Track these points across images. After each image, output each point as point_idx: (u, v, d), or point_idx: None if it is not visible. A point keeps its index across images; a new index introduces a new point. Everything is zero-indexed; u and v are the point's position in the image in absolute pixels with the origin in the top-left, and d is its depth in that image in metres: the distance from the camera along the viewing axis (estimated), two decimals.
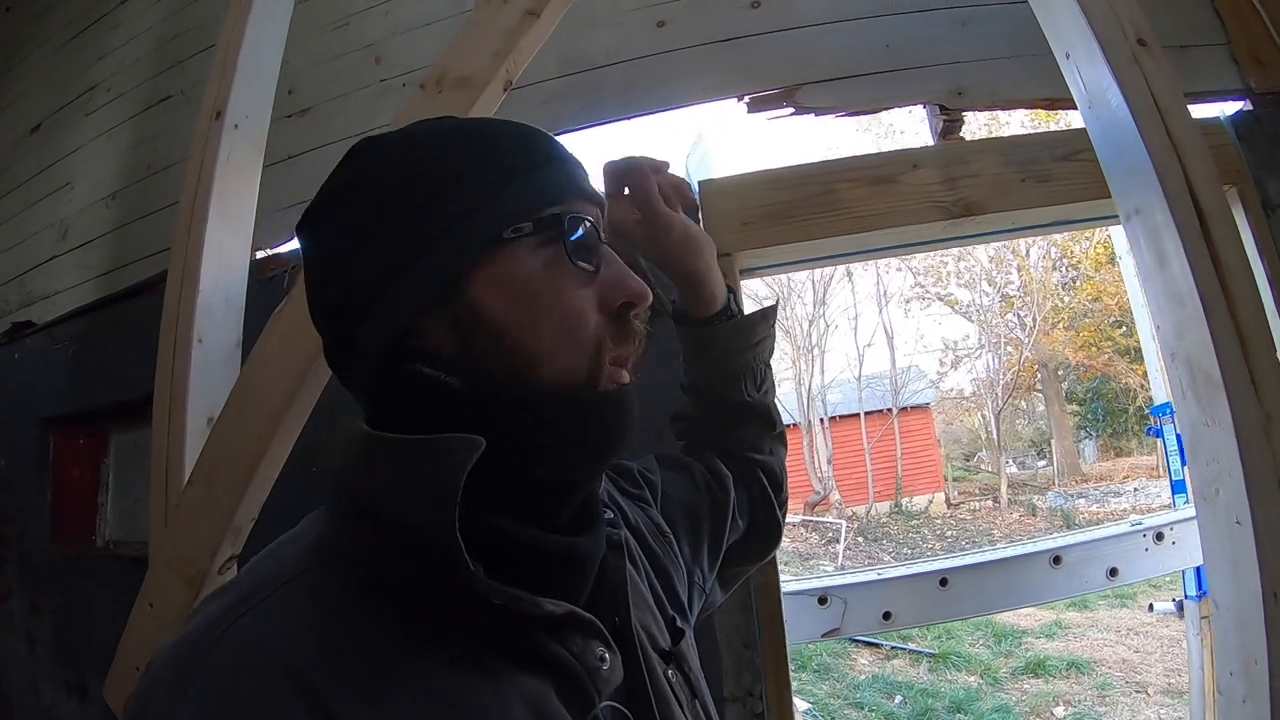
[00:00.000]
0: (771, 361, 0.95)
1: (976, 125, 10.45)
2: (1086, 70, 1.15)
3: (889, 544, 13.34)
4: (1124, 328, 13.65)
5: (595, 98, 1.79)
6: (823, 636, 2.07)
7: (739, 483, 0.89)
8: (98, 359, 2.22)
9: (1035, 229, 1.69)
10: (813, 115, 1.72)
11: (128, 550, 2.21)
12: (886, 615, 2.07)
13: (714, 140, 1.67)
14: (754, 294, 16.81)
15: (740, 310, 0.92)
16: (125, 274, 2.23)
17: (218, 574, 1.17)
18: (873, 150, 1.82)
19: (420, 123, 0.62)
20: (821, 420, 16.93)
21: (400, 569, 0.51)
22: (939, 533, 13.75)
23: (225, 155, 1.40)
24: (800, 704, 5.99)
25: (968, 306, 17.13)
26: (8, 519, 2.41)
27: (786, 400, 17.22)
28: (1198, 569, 2.28)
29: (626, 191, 0.78)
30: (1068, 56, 1.19)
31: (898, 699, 6.68)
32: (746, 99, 1.73)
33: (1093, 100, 1.16)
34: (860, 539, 13.69)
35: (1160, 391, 2.72)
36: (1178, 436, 2.46)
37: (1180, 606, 2.54)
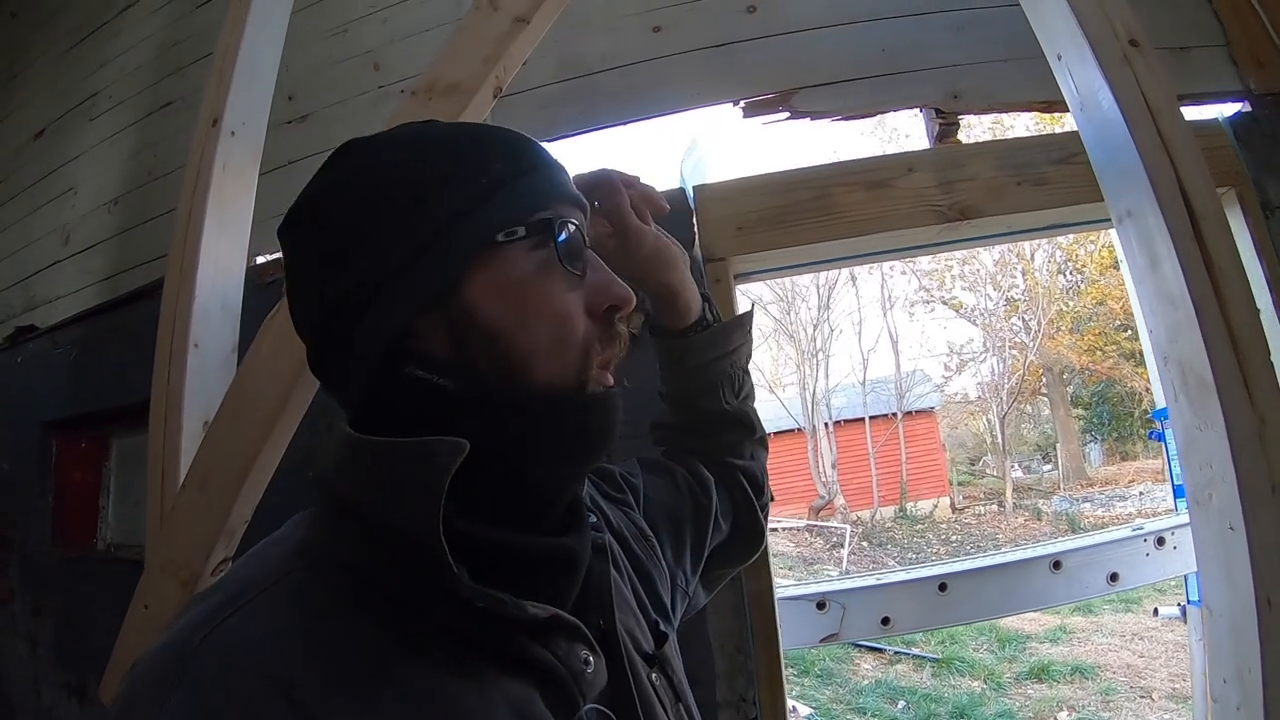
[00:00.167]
0: (750, 367, 0.95)
1: (981, 129, 10.45)
2: (1078, 71, 1.15)
3: (893, 549, 13.29)
4: (1129, 331, 13.59)
5: (591, 103, 1.80)
6: (821, 642, 2.06)
7: (720, 486, 0.89)
8: (99, 363, 2.23)
9: (1032, 232, 1.69)
10: (808, 119, 1.72)
11: (128, 553, 2.22)
12: (885, 620, 2.05)
13: (709, 145, 1.67)
14: (757, 298, 16.88)
15: (717, 318, 0.91)
16: (127, 279, 2.24)
17: (211, 576, 1.17)
18: (873, 154, 1.82)
19: (405, 125, 0.62)
20: (826, 425, 16.88)
21: (385, 572, 0.51)
22: (944, 537, 13.69)
23: (222, 162, 1.41)
24: (803, 709, 5.97)
25: (972, 310, 17.09)
26: (10, 522, 2.42)
27: (791, 405, 17.22)
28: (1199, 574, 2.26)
29: (597, 205, 0.78)
30: (1059, 58, 1.19)
31: (901, 704, 6.64)
32: (742, 103, 1.74)
33: (1084, 102, 1.15)
34: (865, 544, 13.64)
35: (1163, 395, 2.70)
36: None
37: (1184, 611, 2.52)
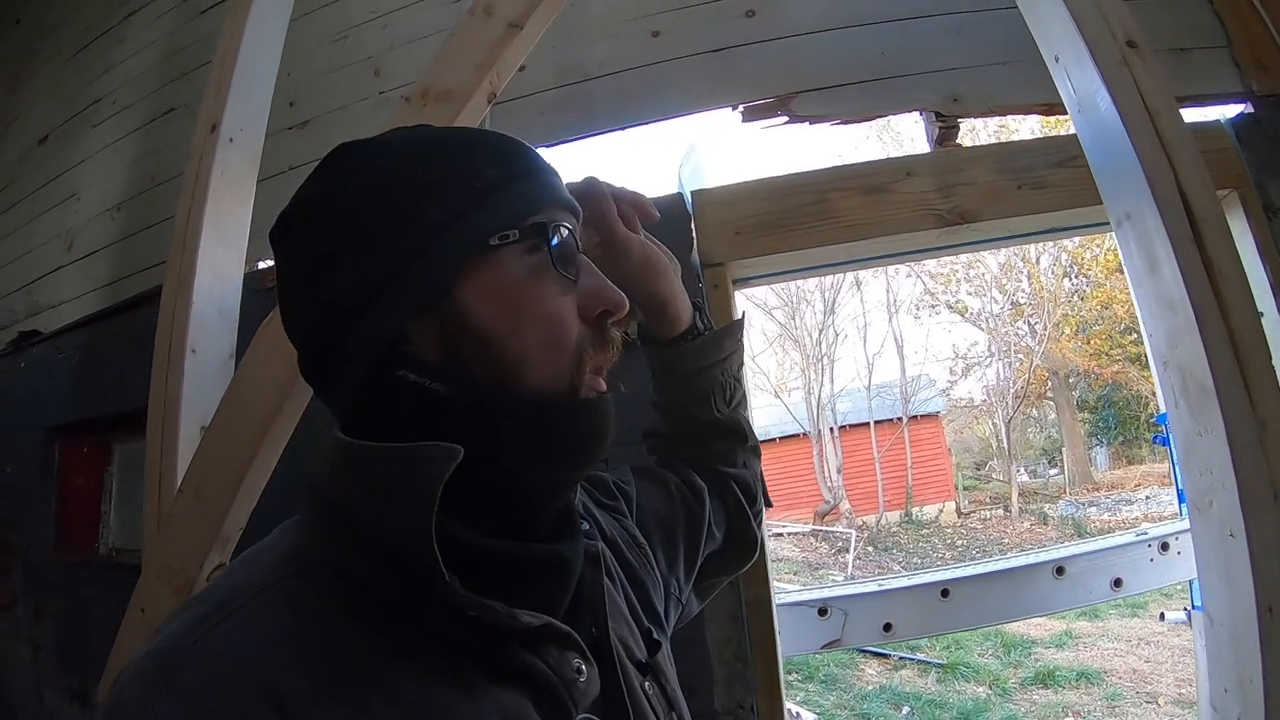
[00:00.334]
0: (752, 372, 0.94)
1: (986, 133, 10.41)
2: (1075, 73, 1.14)
3: (899, 553, 13.22)
4: (1135, 335, 13.53)
5: (590, 108, 1.80)
6: (822, 648, 2.05)
7: (714, 494, 0.88)
8: (102, 368, 2.24)
9: (1032, 236, 1.69)
10: (807, 124, 1.72)
11: (130, 558, 2.22)
12: (887, 627, 2.05)
13: (707, 150, 1.67)
14: (762, 302, 16.87)
15: (708, 326, 0.90)
16: (129, 284, 2.25)
17: (206, 582, 1.18)
18: (871, 158, 1.82)
19: (397, 130, 0.62)
20: (831, 429, 16.81)
21: (375, 579, 0.51)
22: (949, 542, 13.62)
23: (220, 168, 1.41)
24: (807, 715, 5.93)
25: (978, 314, 17.04)
26: (13, 526, 2.43)
27: (796, 409, 17.18)
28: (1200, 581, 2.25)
29: (582, 215, 0.78)
30: (1057, 60, 1.19)
31: (905, 710, 6.60)
32: (741, 108, 1.74)
33: (1082, 104, 1.15)
34: (870, 548, 13.57)
35: None
36: None
37: (1190, 616, 2.50)
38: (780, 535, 14.09)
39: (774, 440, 16.02)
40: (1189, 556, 2.09)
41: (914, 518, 15.25)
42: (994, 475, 18.46)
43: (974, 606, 2.05)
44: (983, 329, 17.22)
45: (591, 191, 0.74)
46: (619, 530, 0.77)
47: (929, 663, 7.47)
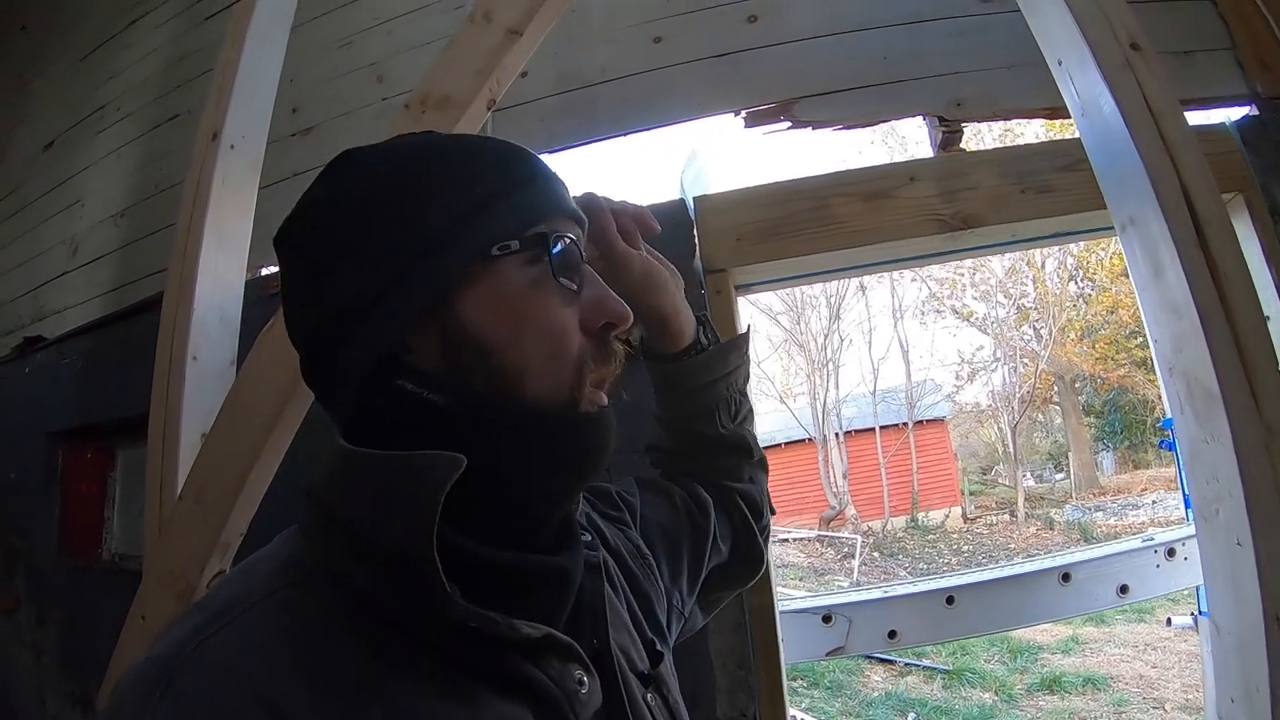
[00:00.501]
0: (747, 389, 0.92)
1: (991, 138, 10.39)
2: (1079, 77, 1.14)
3: (905, 559, 13.17)
4: (1140, 339, 13.48)
5: (591, 114, 1.80)
6: (827, 655, 2.04)
7: (719, 509, 0.87)
8: (105, 374, 2.24)
9: (1036, 241, 1.67)
10: (810, 129, 1.71)
11: (133, 564, 2.22)
12: (892, 634, 2.04)
13: (709, 156, 1.67)
14: (767, 307, 16.85)
15: (713, 341, 0.88)
16: (132, 291, 2.26)
17: (206, 589, 1.17)
18: (873, 164, 1.81)
19: (400, 137, 0.61)
20: (837, 435, 16.78)
21: (375, 589, 0.50)
22: (955, 548, 13.57)
23: (221, 175, 1.42)
24: None
25: (983, 319, 17.00)
26: (16, 531, 2.44)
27: (801, 414, 17.15)
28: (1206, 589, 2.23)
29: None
30: (1060, 63, 1.18)
31: (911, 717, 6.57)
32: (743, 113, 1.73)
33: (1085, 107, 1.14)
34: (876, 554, 13.53)
35: None
36: None
37: (1197, 621, 2.48)
38: (786, 541, 14.06)
39: (779, 445, 16.00)
40: (1196, 563, 2.07)
41: (920, 523, 15.19)
42: (1000, 480, 18.38)
43: (979, 613, 2.04)
44: (988, 333, 17.19)
45: (590, 207, 0.73)
46: (623, 540, 0.76)
47: (935, 669, 7.44)
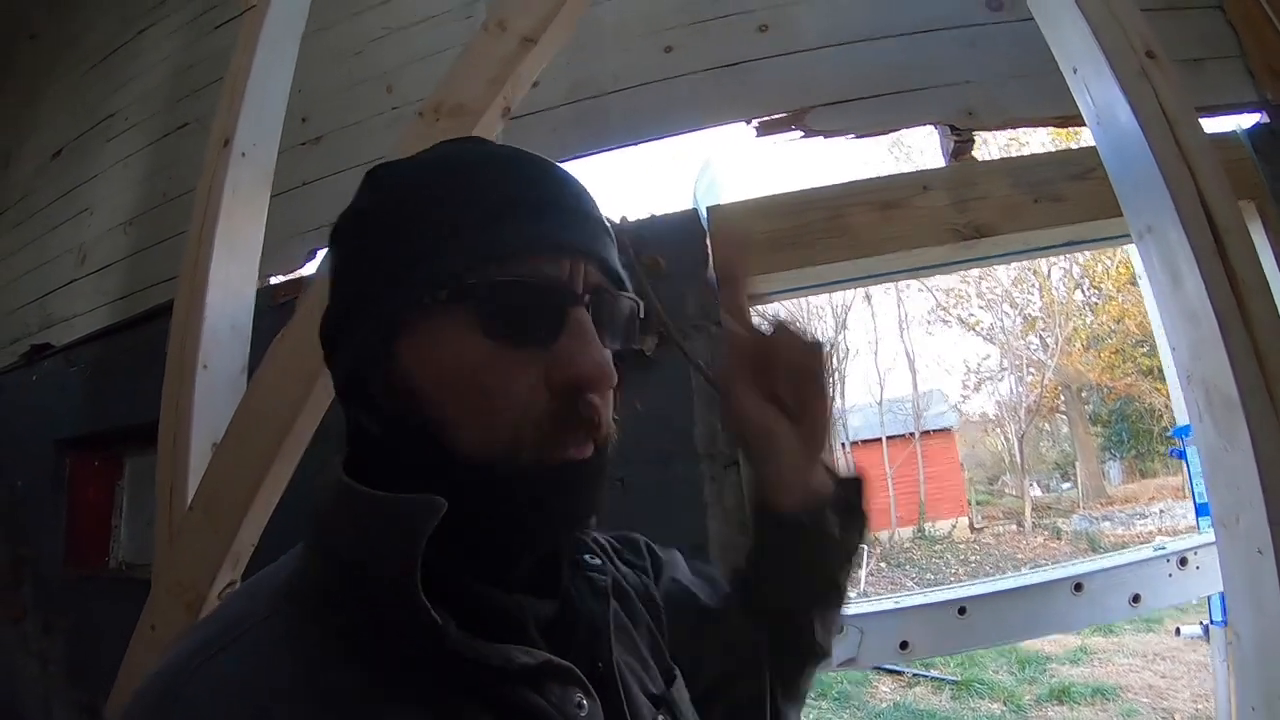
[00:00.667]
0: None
1: (996, 147, 10.40)
2: (1094, 85, 1.13)
3: (912, 569, 13.11)
4: (1147, 347, 13.43)
5: (604, 124, 1.80)
6: (838, 667, 2.02)
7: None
8: (113, 382, 2.24)
9: (1049, 249, 1.67)
10: (822, 138, 1.71)
11: (140, 572, 2.22)
12: (904, 645, 2.01)
13: (722, 165, 1.66)
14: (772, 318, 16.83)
15: (855, 512, 0.72)
16: (141, 299, 2.27)
17: (216, 600, 1.17)
18: (886, 173, 1.81)
19: (428, 150, 0.58)
20: (843, 445, 16.73)
21: (373, 616, 0.49)
22: (962, 558, 13.50)
23: (232, 183, 1.42)
24: None
25: (989, 328, 16.97)
26: (23, 539, 2.43)
27: None
28: (1223, 594, 2.21)
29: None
30: (1075, 72, 1.18)
31: None
32: (755, 123, 1.73)
33: (1101, 116, 1.13)
34: (883, 564, 13.46)
35: (1183, 413, 2.66)
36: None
37: (1207, 631, 2.46)
38: None
39: None
40: (1207, 572, 2.06)
41: (927, 533, 15.12)
42: (1007, 490, 18.31)
43: (992, 624, 2.01)
44: (994, 343, 17.16)
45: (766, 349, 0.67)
46: (639, 584, 0.72)
47: (943, 680, 7.38)
